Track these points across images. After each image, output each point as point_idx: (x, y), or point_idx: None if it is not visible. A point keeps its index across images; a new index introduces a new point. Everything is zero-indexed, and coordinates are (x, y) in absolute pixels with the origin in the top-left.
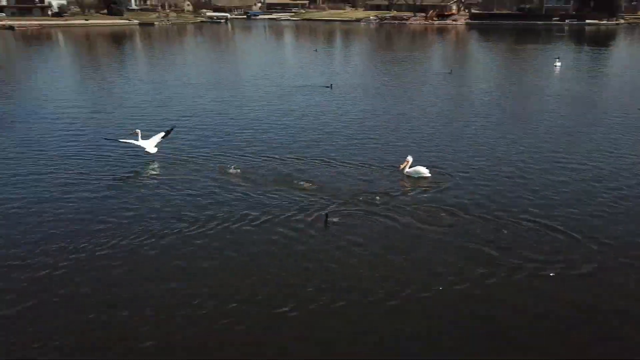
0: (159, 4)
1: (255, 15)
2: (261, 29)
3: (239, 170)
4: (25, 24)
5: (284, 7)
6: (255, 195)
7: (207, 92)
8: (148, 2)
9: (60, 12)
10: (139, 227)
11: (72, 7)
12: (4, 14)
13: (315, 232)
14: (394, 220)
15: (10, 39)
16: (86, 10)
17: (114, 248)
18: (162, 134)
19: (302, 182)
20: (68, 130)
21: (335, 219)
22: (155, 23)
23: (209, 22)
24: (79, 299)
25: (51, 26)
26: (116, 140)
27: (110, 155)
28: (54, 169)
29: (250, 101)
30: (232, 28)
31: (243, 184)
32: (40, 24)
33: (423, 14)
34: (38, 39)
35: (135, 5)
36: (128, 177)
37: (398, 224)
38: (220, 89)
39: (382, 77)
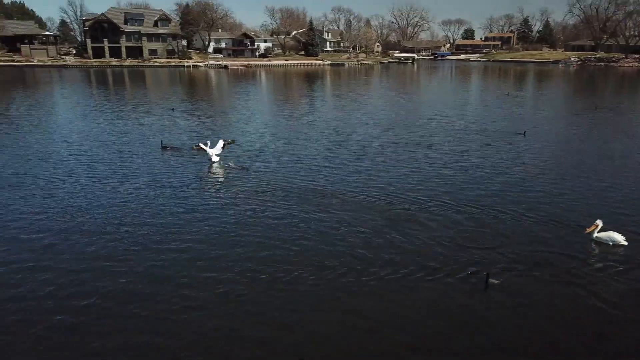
0: (351, 46)
1: (442, 55)
2: (447, 70)
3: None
4: (237, 64)
5: (473, 48)
6: (420, 241)
7: (385, 131)
8: (341, 45)
9: (266, 54)
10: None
11: (276, 49)
12: (221, 55)
13: (473, 293)
14: (570, 289)
15: (223, 76)
16: (287, 52)
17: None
18: (222, 143)
19: (467, 233)
20: (259, 146)
21: (497, 280)
22: (346, 63)
23: (395, 62)
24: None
25: (257, 65)
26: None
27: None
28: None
29: (428, 143)
30: (418, 68)
31: (412, 228)
32: (248, 64)
33: (638, 56)
34: (245, 76)
35: (330, 47)
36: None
37: (574, 295)
38: (398, 129)
39: (581, 125)
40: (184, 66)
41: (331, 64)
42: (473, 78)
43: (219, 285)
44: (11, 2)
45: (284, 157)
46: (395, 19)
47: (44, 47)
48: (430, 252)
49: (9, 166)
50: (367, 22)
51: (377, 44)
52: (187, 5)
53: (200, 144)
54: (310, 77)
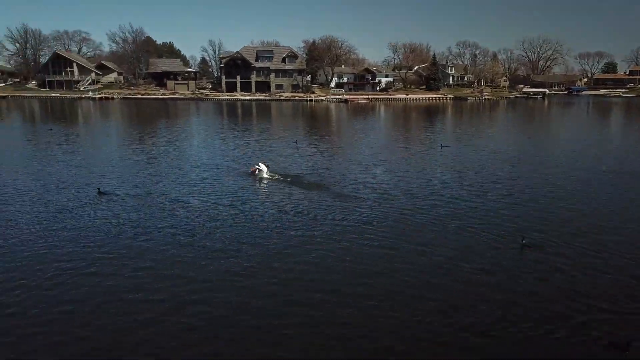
0: (475, 81)
1: (578, 90)
2: (583, 106)
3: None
4: (357, 98)
5: (615, 83)
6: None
7: (508, 167)
8: (465, 79)
9: (386, 88)
10: None
11: (397, 83)
12: (343, 90)
13: None
14: None
15: (343, 110)
16: (408, 86)
17: None
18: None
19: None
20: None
21: None
22: (469, 98)
23: (524, 97)
24: None
25: (377, 99)
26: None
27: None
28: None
29: (555, 180)
30: (549, 104)
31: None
32: (368, 98)
33: None
34: (364, 110)
35: (452, 81)
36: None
37: None
38: (523, 165)
39: None
40: (306, 100)
41: (453, 99)
42: (614, 114)
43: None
44: (162, 42)
45: (399, 188)
46: (525, 52)
47: (186, 82)
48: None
49: (148, 186)
50: (494, 56)
51: (504, 78)
52: (314, 42)
53: (258, 165)
54: (431, 112)
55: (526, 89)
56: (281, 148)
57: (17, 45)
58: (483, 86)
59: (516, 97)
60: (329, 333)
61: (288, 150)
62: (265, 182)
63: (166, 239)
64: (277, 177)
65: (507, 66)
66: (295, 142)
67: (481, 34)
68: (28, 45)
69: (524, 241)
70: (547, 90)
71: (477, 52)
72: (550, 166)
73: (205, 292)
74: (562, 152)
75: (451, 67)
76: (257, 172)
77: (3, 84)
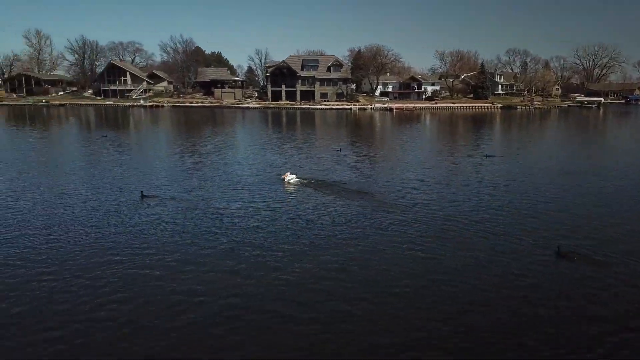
0: (526, 89)
1: (636, 99)
2: None
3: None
4: (402, 106)
5: None
6: None
7: (556, 178)
8: (515, 87)
9: (432, 96)
10: None
11: (443, 91)
12: (388, 98)
13: None
14: None
15: (387, 118)
16: (455, 95)
17: None
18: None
19: None
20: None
21: None
22: (518, 107)
23: (577, 106)
24: None
25: (422, 108)
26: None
27: None
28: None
29: (607, 193)
30: (604, 113)
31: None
32: (414, 106)
33: None
34: (409, 118)
35: (501, 90)
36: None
37: None
38: (573, 176)
39: None
40: (350, 109)
41: (502, 108)
42: None
43: None
44: (211, 52)
45: (439, 196)
46: (580, 59)
47: (232, 90)
48: None
49: (194, 191)
50: (546, 64)
51: (557, 86)
52: (359, 51)
53: (287, 174)
54: (477, 121)
55: (580, 98)
56: (326, 156)
57: (76, 55)
58: (533, 95)
59: (569, 106)
60: (372, 333)
61: (333, 159)
62: (308, 188)
63: (209, 240)
64: (303, 181)
65: (559, 74)
66: (340, 150)
67: (532, 42)
68: (86, 55)
69: (559, 250)
70: (602, 99)
71: (528, 59)
72: (602, 178)
73: (254, 296)
74: (616, 164)
75: (500, 75)
76: (286, 178)
77: (62, 93)
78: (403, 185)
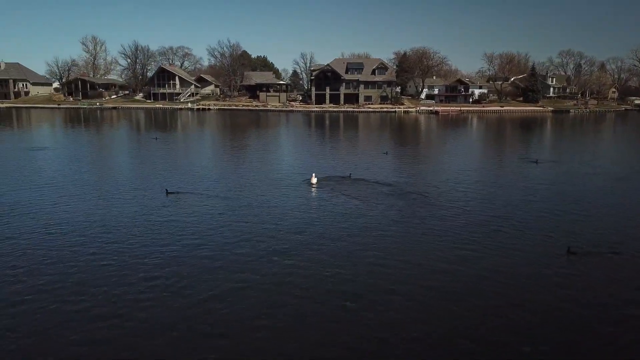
0: (579, 92)
1: None
2: None
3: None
4: (447, 109)
5: None
6: None
7: (609, 184)
8: (567, 90)
9: (480, 100)
10: None
11: (491, 95)
12: (433, 101)
13: None
14: None
15: (433, 121)
16: (503, 98)
17: None
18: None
19: None
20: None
21: None
22: (571, 110)
23: (636, 110)
24: None
25: (469, 111)
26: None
27: None
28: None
29: None
30: None
31: None
32: (460, 109)
33: None
34: (455, 121)
35: (553, 93)
36: None
37: None
38: (627, 182)
39: None
40: (394, 111)
41: (553, 111)
42: None
43: None
44: (257, 56)
45: (484, 200)
46: (638, 61)
47: (277, 94)
48: None
49: (234, 190)
50: (602, 65)
51: (613, 89)
52: (405, 53)
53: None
54: (527, 125)
55: (638, 101)
56: (371, 158)
57: (128, 60)
58: (588, 98)
59: (626, 109)
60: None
61: (378, 161)
62: (357, 190)
63: (242, 238)
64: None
65: (616, 76)
66: (386, 153)
67: (587, 43)
68: (137, 60)
69: (569, 250)
70: None
71: (582, 61)
72: None
73: (296, 299)
74: None
75: (552, 77)
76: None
77: (115, 96)
78: (449, 188)
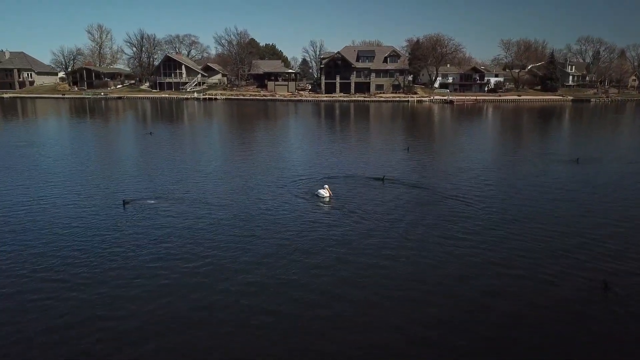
0: (598, 80)
1: None
2: None
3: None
4: (463, 99)
5: None
6: None
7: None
8: (587, 78)
9: (496, 88)
10: None
11: (508, 83)
12: (447, 90)
13: None
14: None
15: (448, 112)
16: (520, 86)
17: None
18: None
19: None
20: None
21: None
22: (592, 100)
23: None
24: None
25: (485, 100)
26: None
27: None
28: None
29: None
30: None
31: None
32: (475, 99)
33: None
34: (472, 112)
35: (572, 81)
36: None
37: None
38: None
39: None
40: (407, 101)
41: (573, 100)
42: None
43: None
44: (265, 44)
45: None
46: None
47: (286, 83)
48: None
49: (238, 179)
50: (622, 53)
51: (633, 77)
52: (418, 41)
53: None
54: (550, 115)
55: None
56: (395, 156)
57: (134, 49)
58: (607, 86)
59: None
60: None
61: (405, 160)
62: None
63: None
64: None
65: (636, 64)
66: (408, 149)
67: (606, 29)
68: (143, 49)
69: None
70: None
71: (602, 49)
72: None
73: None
74: None
75: (571, 65)
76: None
77: (120, 86)
78: (494, 196)
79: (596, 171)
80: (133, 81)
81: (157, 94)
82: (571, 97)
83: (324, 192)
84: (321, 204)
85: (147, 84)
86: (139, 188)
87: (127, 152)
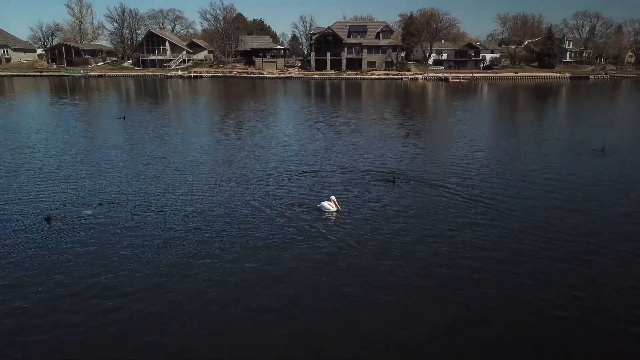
0: (595, 56)
1: None
2: None
3: None
4: (458, 76)
5: None
6: None
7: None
8: (584, 55)
9: (491, 65)
10: None
11: (504, 60)
12: (442, 67)
13: None
14: None
15: (442, 89)
16: (517, 63)
17: None
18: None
19: None
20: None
21: None
22: (591, 76)
23: None
24: None
25: (480, 78)
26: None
27: None
28: None
29: None
30: None
31: None
32: (472, 76)
33: None
34: (466, 89)
35: (570, 58)
36: None
37: None
38: None
39: None
40: (401, 78)
41: (571, 77)
42: None
43: None
44: (253, 19)
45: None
46: None
47: (274, 60)
48: None
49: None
50: (619, 28)
51: (630, 53)
52: (411, 15)
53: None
54: (545, 93)
55: None
56: (395, 145)
57: (116, 24)
58: (604, 62)
59: None
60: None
61: (406, 148)
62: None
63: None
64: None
65: (632, 40)
66: (408, 135)
67: (603, 3)
68: (125, 24)
69: None
70: None
71: (599, 24)
72: None
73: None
74: None
75: (568, 41)
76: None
77: (102, 63)
78: (518, 194)
79: (628, 164)
80: (115, 58)
81: (140, 72)
82: (569, 74)
83: (329, 206)
84: (325, 219)
85: (130, 61)
86: (80, 196)
87: (85, 145)
